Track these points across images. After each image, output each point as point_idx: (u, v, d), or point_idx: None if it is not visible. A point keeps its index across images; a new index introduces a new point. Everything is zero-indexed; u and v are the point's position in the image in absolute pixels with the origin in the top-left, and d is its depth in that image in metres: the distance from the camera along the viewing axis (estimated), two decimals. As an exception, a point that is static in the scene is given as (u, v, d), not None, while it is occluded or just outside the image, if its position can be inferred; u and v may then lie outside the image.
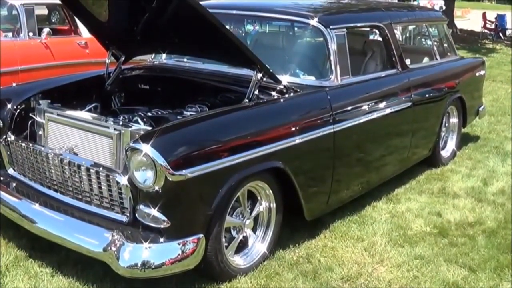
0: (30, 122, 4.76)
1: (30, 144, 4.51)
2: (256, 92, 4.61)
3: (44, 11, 11.40)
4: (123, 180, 3.90)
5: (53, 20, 11.83)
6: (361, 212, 5.47)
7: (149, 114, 4.73)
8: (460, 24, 26.74)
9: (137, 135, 3.96)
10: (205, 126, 4.07)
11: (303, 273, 4.36)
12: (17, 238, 4.61)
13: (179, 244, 3.81)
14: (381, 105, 5.43)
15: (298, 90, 4.78)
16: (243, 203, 4.28)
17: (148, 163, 3.69)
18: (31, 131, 4.77)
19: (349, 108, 5.01)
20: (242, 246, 4.39)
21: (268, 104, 4.60)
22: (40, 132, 4.71)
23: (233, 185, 4.00)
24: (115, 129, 4.15)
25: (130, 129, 4.11)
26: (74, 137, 4.39)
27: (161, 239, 3.78)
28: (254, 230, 4.47)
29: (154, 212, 3.75)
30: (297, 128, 4.47)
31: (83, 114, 4.52)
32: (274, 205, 4.45)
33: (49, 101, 4.72)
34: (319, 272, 4.39)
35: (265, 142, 4.21)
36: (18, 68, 7.00)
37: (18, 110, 4.74)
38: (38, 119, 4.71)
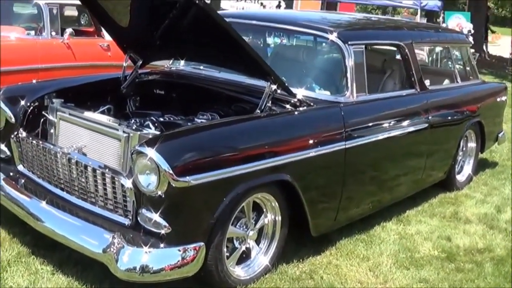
0: (42, 120, 4.78)
1: (40, 142, 4.53)
2: (269, 103, 4.58)
3: (75, 13, 11.51)
4: (128, 183, 3.89)
5: (82, 22, 11.93)
6: (370, 231, 5.40)
7: (161, 119, 4.74)
8: (489, 49, 26.49)
9: (145, 139, 3.96)
10: (213, 134, 4.05)
11: (304, 290, 4.32)
12: (22, 234, 4.62)
13: (179, 250, 3.78)
14: (397, 124, 5.37)
15: (312, 104, 4.75)
16: (248, 214, 4.24)
17: (152, 167, 3.67)
18: (43, 129, 4.79)
19: (363, 125, 4.96)
20: (245, 257, 4.36)
21: (279, 116, 4.57)
22: (52, 131, 4.72)
23: (238, 195, 3.97)
24: (124, 131, 4.15)
25: (138, 132, 4.10)
26: (84, 138, 4.39)
27: (161, 245, 3.75)
28: (257, 242, 4.43)
29: (156, 217, 3.73)
30: (308, 142, 4.42)
31: (94, 115, 4.52)
32: (280, 218, 4.41)
33: (62, 100, 4.74)
34: (320, 289, 4.35)
35: (273, 154, 4.17)
36: (39, 67, 7.06)
37: (31, 107, 4.76)
38: (50, 117, 4.73)
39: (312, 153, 4.42)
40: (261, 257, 4.40)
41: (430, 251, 5.14)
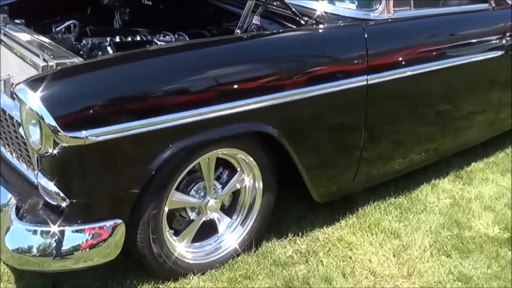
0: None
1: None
2: (257, 21, 3.10)
3: None
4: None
5: None
6: (413, 191, 3.83)
7: (128, 39, 3.38)
8: None
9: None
10: (135, 67, 2.55)
11: (286, 282, 2.90)
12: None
13: (83, 231, 2.51)
14: (456, 51, 3.66)
15: (323, 23, 3.18)
16: (207, 176, 2.87)
17: (35, 117, 2.38)
18: None
19: (398, 52, 3.30)
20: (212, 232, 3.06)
21: (261, 38, 3.00)
22: None
23: (178, 155, 2.58)
24: (44, 59, 2.84)
25: (56, 61, 2.76)
26: (14, 66, 3.15)
27: (61, 222, 2.49)
28: (231, 212, 3.10)
29: (51, 185, 2.47)
30: (301, 76, 2.91)
31: (24, 37, 3.20)
32: (260, 183, 3.02)
33: (6, 15, 3.47)
34: (309, 283, 2.93)
35: (241, 93, 2.68)
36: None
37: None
38: (-7, 38, 3.51)
39: (307, 93, 2.89)
40: (229, 235, 3.04)
41: (489, 226, 3.51)
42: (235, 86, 2.70)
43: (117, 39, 3.29)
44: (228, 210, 3.07)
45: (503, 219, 3.58)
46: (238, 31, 3.02)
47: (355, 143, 3.25)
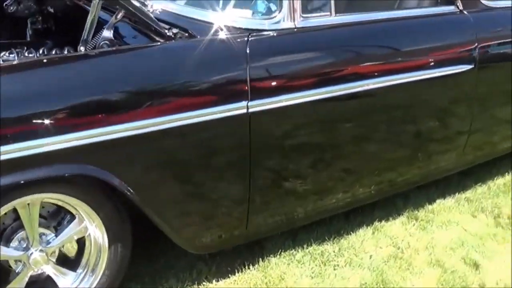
0: None
1: None
2: (109, 34, 2.53)
3: None
4: None
5: None
6: (346, 236, 3.09)
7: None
8: None
9: None
10: None
11: None
12: None
13: None
14: (396, 67, 2.90)
15: (196, 35, 2.56)
16: (28, 225, 2.30)
17: None
18: None
19: (294, 72, 2.57)
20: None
21: (101, 56, 2.39)
22: None
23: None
24: None
25: None
26: None
27: None
28: (77, 265, 2.54)
29: None
30: (151, 104, 2.29)
31: None
32: (105, 235, 2.44)
33: None
34: None
35: (66, 126, 2.12)
36: None
37: None
38: None
39: (161, 125, 2.28)
40: (68, 293, 2.50)
41: (429, 289, 2.77)
42: (56, 117, 2.13)
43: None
44: (74, 262, 2.53)
45: (451, 280, 2.79)
46: (82, 48, 2.47)
47: (239, 185, 2.59)
